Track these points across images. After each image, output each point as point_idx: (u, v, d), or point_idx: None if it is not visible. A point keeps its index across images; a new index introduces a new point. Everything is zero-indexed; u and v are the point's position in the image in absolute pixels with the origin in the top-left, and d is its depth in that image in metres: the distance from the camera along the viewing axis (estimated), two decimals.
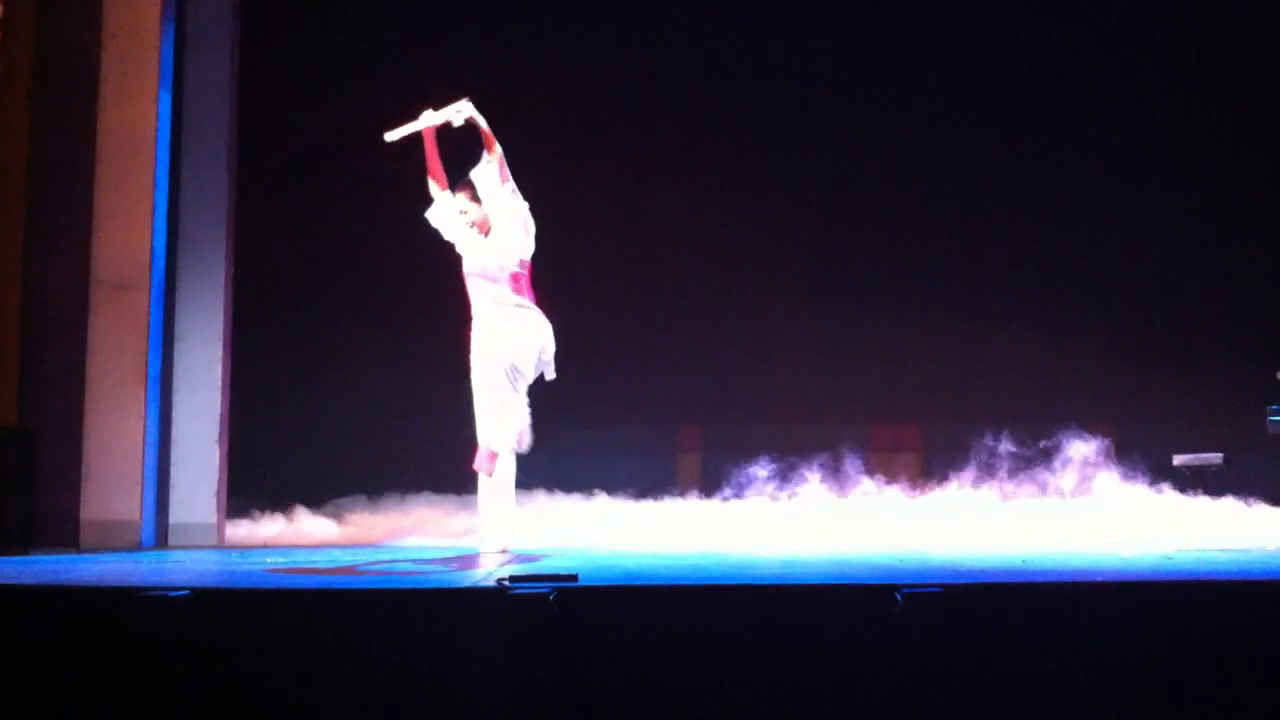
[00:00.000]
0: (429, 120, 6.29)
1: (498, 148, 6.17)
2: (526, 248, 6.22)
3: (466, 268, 6.24)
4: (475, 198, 6.25)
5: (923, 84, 10.45)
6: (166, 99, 7.80)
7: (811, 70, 10.36)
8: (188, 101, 8.13)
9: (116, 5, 7.60)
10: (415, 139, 6.29)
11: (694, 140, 9.87)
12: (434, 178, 6.34)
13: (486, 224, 6.24)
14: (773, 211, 10.16)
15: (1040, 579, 4.08)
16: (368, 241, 9.86)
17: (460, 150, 6.33)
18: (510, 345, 6.13)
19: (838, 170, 10.36)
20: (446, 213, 6.27)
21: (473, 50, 10.11)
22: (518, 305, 6.17)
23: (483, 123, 6.19)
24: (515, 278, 6.20)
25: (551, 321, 6.25)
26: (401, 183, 9.80)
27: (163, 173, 7.72)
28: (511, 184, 6.20)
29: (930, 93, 10.43)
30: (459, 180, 6.28)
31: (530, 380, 6.18)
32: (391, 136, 6.32)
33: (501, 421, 6.01)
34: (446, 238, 6.30)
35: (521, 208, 6.20)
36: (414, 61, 10.01)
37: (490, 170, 6.18)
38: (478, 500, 6.15)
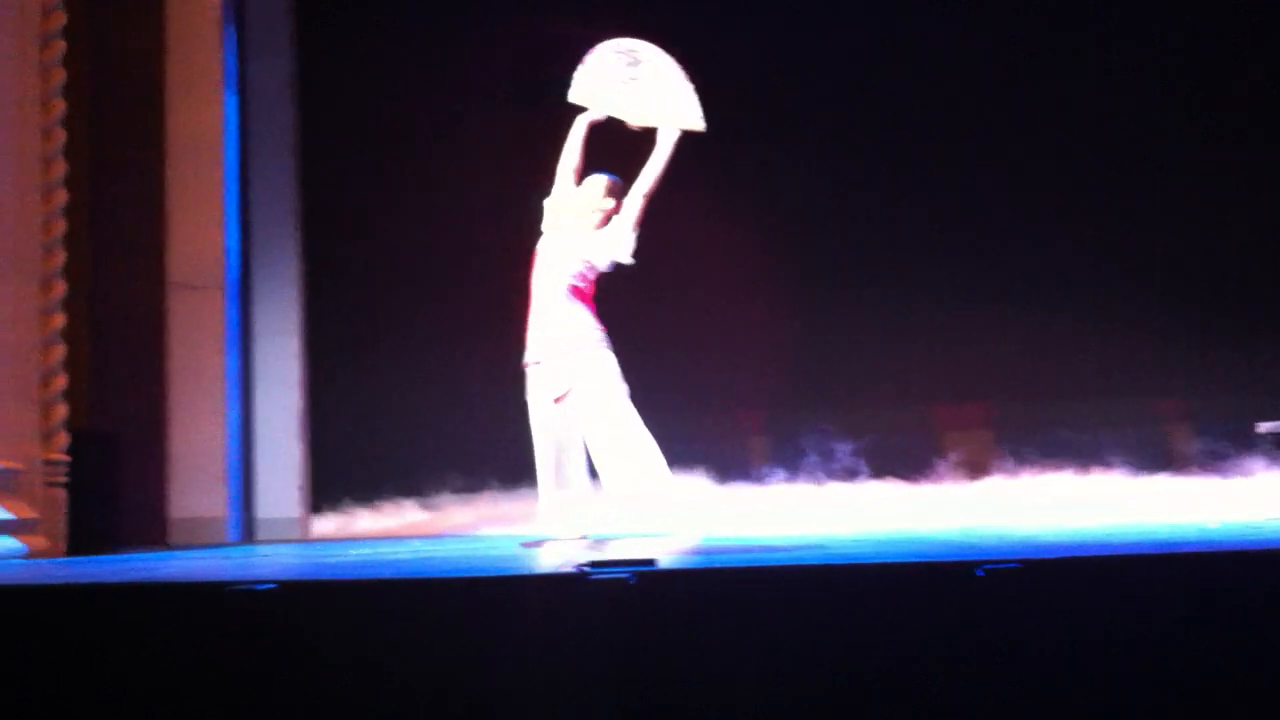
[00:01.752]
0: (599, 105, 6.22)
1: (650, 185, 6.12)
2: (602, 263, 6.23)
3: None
4: (613, 201, 6.21)
5: (983, 53, 10.32)
6: (231, 101, 7.90)
7: (877, 44, 10.26)
8: (251, 102, 8.24)
9: (177, 11, 7.72)
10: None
11: (758, 120, 9.83)
12: (574, 172, 6.30)
13: (605, 219, 6.22)
14: (836, 189, 10.09)
15: (1123, 552, 4.03)
16: (437, 232, 9.91)
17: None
18: None
19: (899, 145, 10.26)
20: (565, 203, 6.26)
21: (534, 42, 10.12)
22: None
23: (664, 153, 6.12)
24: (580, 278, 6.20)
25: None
26: (469, 167, 9.89)
27: (231, 174, 7.83)
28: (636, 224, 6.17)
29: (994, 62, 10.30)
30: (610, 182, 6.24)
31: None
32: (586, 102, 6.25)
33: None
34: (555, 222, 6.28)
35: (627, 246, 6.20)
36: (474, 54, 10.05)
37: (633, 204, 6.14)
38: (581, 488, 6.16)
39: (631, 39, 6.28)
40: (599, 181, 6.24)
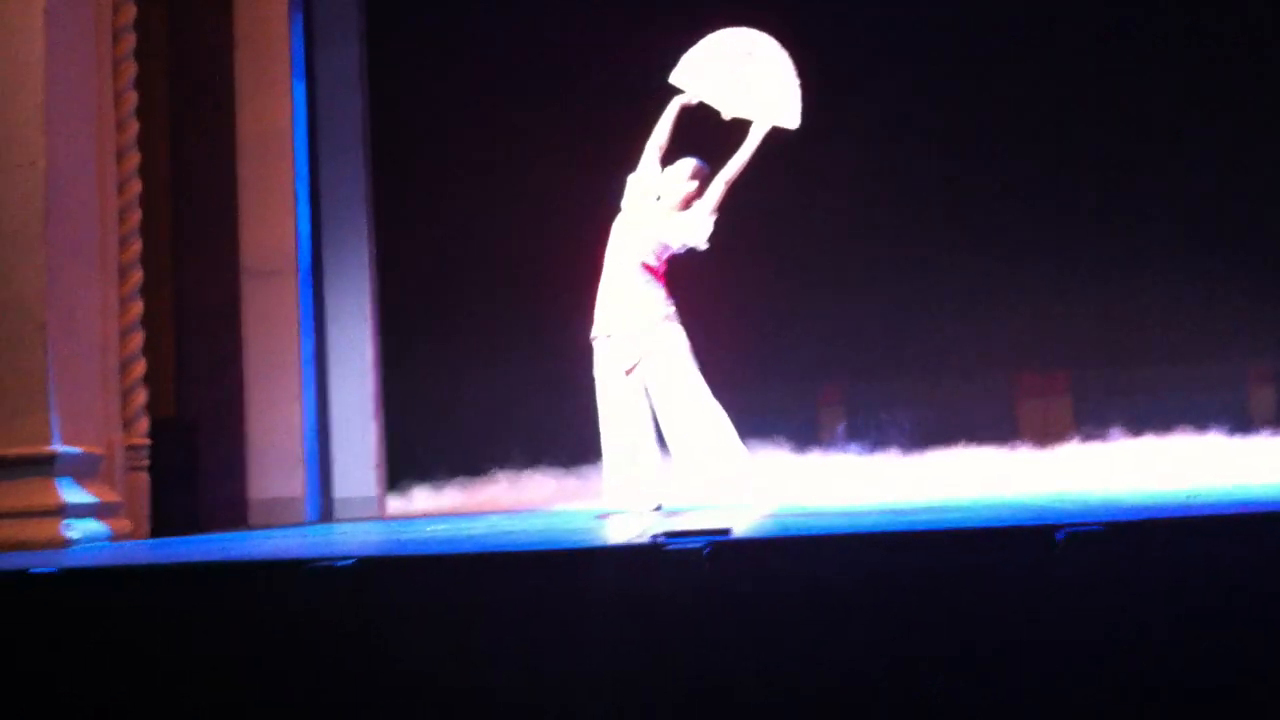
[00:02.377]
0: (698, 91, 6.23)
1: (734, 175, 6.14)
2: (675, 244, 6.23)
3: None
4: (696, 185, 6.22)
5: (1059, 10, 10.13)
6: (301, 90, 7.98)
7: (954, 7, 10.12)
8: (321, 91, 8.32)
9: (246, 1, 7.79)
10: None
11: (826, 87, 9.74)
12: (660, 150, 6.31)
13: (686, 202, 6.24)
14: (910, 156, 9.97)
15: (1207, 513, 3.96)
16: (506, 214, 9.95)
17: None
18: None
19: (971, 109, 10.13)
20: (649, 181, 6.27)
21: (604, 28, 10.11)
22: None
23: (752, 146, 6.14)
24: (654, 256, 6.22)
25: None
26: (540, 158, 9.91)
27: (302, 162, 7.91)
28: (715, 211, 6.18)
29: (1070, 20, 10.11)
30: (697, 167, 6.25)
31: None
32: (685, 85, 6.26)
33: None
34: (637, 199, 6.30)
35: (702, 233, 6.20)
36: (543, 39, 10.06)
37: (714, 191, 6.16)
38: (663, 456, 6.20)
39: (752, 30, 6.27)
40: (686, 164, 6.26)
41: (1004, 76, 10.10)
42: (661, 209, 6.24)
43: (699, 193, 6.20)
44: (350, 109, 8.43)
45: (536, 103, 10.00)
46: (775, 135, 6.21)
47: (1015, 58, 10.10)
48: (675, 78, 6.31)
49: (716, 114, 6.29)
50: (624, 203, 6.33)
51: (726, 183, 6.15)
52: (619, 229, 6.29)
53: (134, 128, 6.57)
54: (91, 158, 6.19)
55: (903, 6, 10.05)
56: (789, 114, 6.20)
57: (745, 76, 6.23)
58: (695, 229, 6.15)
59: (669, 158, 6.33)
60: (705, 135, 6.33)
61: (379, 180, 8.52)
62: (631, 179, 6.32)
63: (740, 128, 6.22)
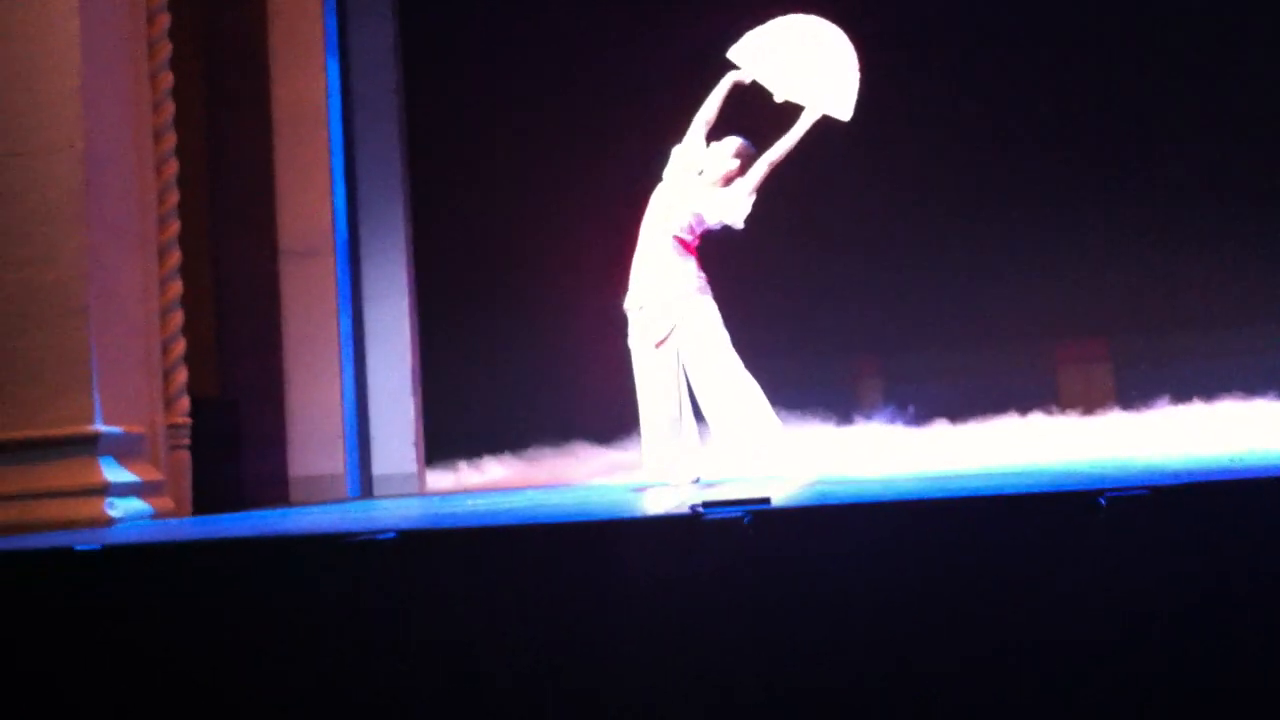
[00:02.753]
0: (753, 70, 6.20)
1: (778, 158, 6.12)
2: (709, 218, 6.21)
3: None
4: (739, 164, 6.20)
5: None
6: (334, 67, 7.98)
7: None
8: (354, 68, 8.32)
9: None
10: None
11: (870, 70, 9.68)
12: (707, 124, 6.30)
13: (727, 179, 6.22)
14: (947, 129, 9.91)
15: (1252, 475, 3.91)
16: (541, 191, 9.96)
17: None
18: None
19: (1012, 84, 10.04)
20: (694, 154, 6.26)
21: (639, 5, 10.07)
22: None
23: (801, 131, 6.12)
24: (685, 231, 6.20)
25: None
26: (576, 131, 9.90)
27: (337, 140, 7.92)
28: (754, 191, 6.16)
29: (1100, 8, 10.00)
30: (741, 145, 6.23)
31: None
32: (742, 63, 6.23)
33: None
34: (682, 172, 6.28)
35: (740, 211, 6.17)
36: (577, 14, 10.03)
37: (756, 171, 6.14)
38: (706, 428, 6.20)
39: (819, 19, 6.22)
40: (732, 142, 6.24)
41: (1045, 48, 10.01)
42: (702, 183, 6.23)
43: (741, 171, 6.18)
44: (384, 85, 8.43)
45: (571, 79, 9.99)
46: (823, 121, 6.17)
47: (1051, 36, 10.00)
48: (734, 53, 6.27)
49: (767, 97, 6.24)
50: (665, 173, 6.32)
51: (770, 164, 6.14)
52: (657, 200, 6.29)
53: (170, 108, 6.59)
54: (129, 139, 6.22)
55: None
56: (843, 106, 6.16)
57: (804, 62, 6.18)
58: (734, 207, 6.15)
59: (715, 134, 6.31)
60: (751, 117, 6.29)
61: (414, 158, 8.53)
62: (676, 151, 6.32)
63: (788, 115, 6.18)
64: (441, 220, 9.27)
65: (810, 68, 6.18)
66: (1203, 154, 9.94)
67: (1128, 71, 10.04)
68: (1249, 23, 9.90)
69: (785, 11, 6.25)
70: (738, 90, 6.30)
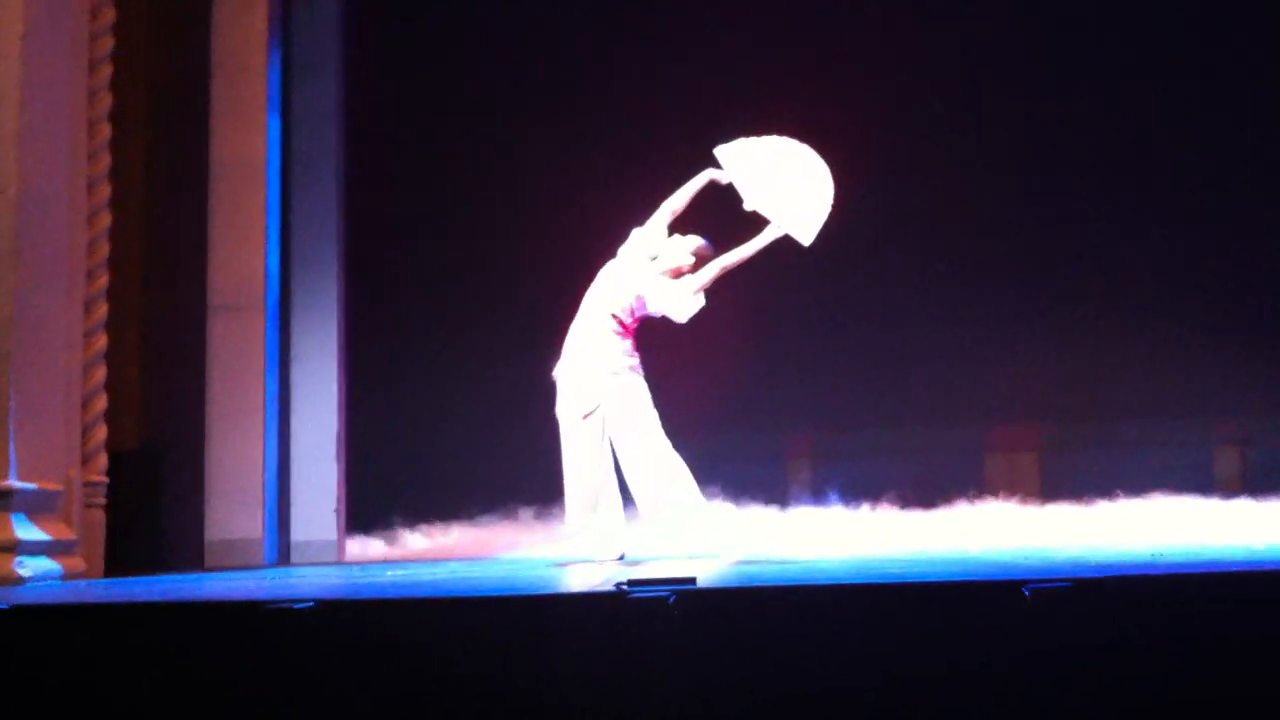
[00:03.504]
0: (734, 173, 6.24)
1: (732, 263, 6.16)
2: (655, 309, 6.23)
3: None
4: (694, 261, 6.22)
5: (1051, 71, 10.21)
6: (276, 124, 7.94)
7: (922, 69, 10.19)
8: (296, 126, 8.28)
9: (224, 35, 7.77)
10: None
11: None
12: (673, 214, 6.33)
13: (676, 272, 6.24)
14: (879, 209, 10.02)
15: (1172, 571, 3.96)
16: (477, 258, 9.94)
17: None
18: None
19: (944, 168, 10.18)
20: (653, 240, 6.28)
21: (581, 68, 10.14)
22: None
23: (759, 245, 6.17)
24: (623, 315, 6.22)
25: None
26: (511, 191, 9.92)
27: (274, 196, 7.87)
28: (701, 289, 6.20)
29: (1056, 85, 10.19)
30: (702, 245, 6.26)
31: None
32: (725, 163, 6.27)
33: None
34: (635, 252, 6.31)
35: (684, 306, 6.20)
36: (519, 81, 10.09)
37: (707, 271, 6.17)
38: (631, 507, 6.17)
39: (809, 150, 6.28)
40: (693, 240, 6.29)
41: (964, 139, 10.17)
42: (653, 270, 6.25)
43: (693, 269, 6.22)
44: (324, 144, 8.40)
45: (512, 146, 10.02)
46: (783, 237, 6.25)
47: (983, 116, 10.18)
48: (720, 151, 6.32)
49: (736, 199, 6.28)
50: (620, 251, 6.34)
51: (722, 268, 6.19)
52: (606, 275, 6.32)
53: (107, 159, 6.53)
54: (64, 188, 6.15)
55: (875, 44, 10.12)
56: (806, 231, 6.22)
57: (782, 180, 6.24)
58: (679, 303, 6.19)
59: (678, 226, 6.35)
60: (713, 214, 6.34)
61: (351, 218, 8.49)
62: (637, 232, 6.35)
63: (748, 224, 6.24)
64: (375, 282, 9.21)
65: (786, 187, 6.24)
66: (1136, 246, 10.12)
67: (1057, 162, 10.22)
68: (1175, 128, 10.14)
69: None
70: (711, 188, 6.35)
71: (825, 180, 6.27)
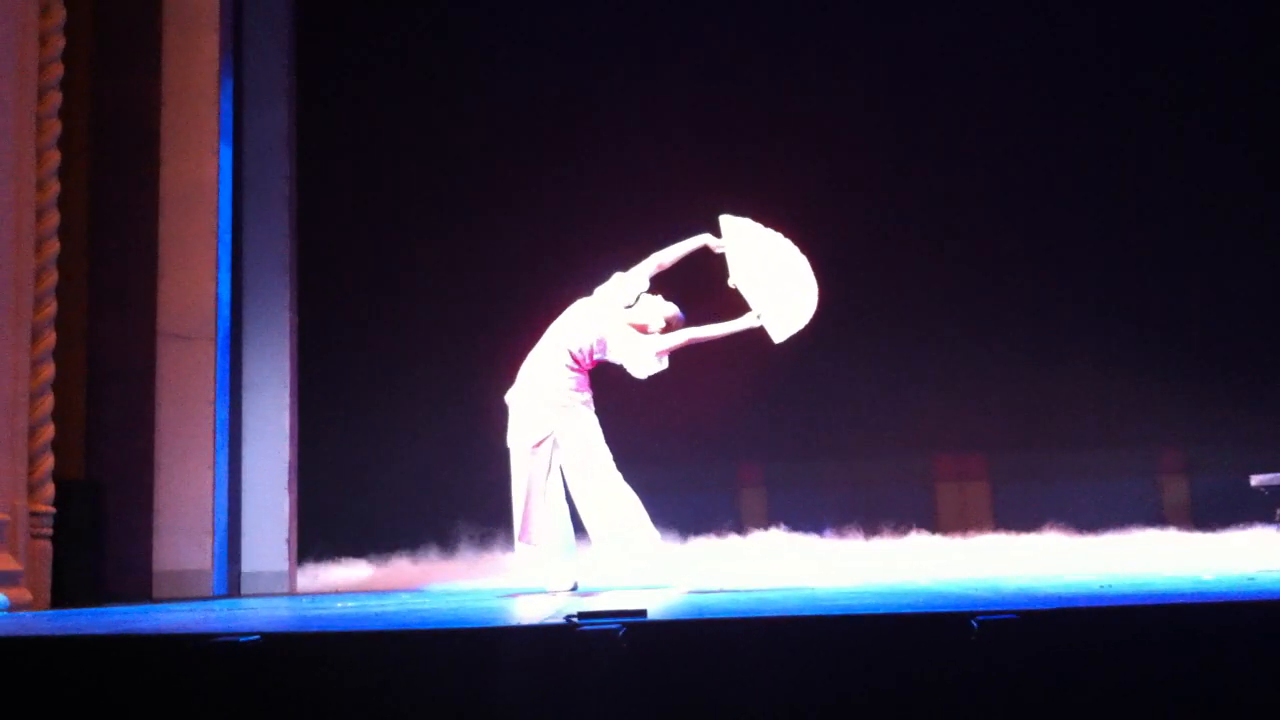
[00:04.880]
0: (730, 245, 6.23)
1: (701, 338, 6.18)
2: (617, 357, 6.23)
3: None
4: (663, 326, 6.23)
5: (982, 99, 10.33)
6: (227, 153, 7.90)
7: (887, 79, 10.27)
8: (247, 155, 8.25)
9: (175, 63, 7.73)
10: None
11: (748, 162, 9.85)
12: (659, 267, 6.34)
13: (642, 328, 6.24)
14: (828, 243, 10.08)
15: (1119, 603, 3.99)
16: (430, 288, 9.93)
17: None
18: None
19: (892, 195, 10.28)
20: (633, 289, 6.28)
21: (534, 95, 10.16)
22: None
23: (731, 329, 6.18)
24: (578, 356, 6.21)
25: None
26: (464, 222, 9.92)
27: (225, 225, 7.82)
28: (664, 353, 6.20)
29: (993, 111, 10.32)
30: (674, 314, 6.28)
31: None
32: (726, 233, 6.27)
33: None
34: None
35: (643, 363, 6.20)
36: (471, 112, 10.10)
37: (674, 337, 6.18)
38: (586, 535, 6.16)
39: (806, 261, 6.30)
40: (669, 306, 6.30)
41: (924, 156, 10.27)
42: (622, 317, 6.24)
43: (661, 331, 6.22)
44: (276, 172, 8.37)
45: (464, 176, 10.03)
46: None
47: (928, 139, 10.28)
48: (726, 220, 6.31)
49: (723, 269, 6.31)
50: (598, 290, 6.33)
51: (689, 340, 6.21)
52: (575, 310, 6.32)
53: (55, 187, 6.47)
54: (11, 215, 6.09)
55: (825, 94, 10.20)
56: (779, 331, 6.23)
57: (773, 275, 6.24)
58: (640, 360, 6.20)
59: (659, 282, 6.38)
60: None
61: (303, 247, 8.46)
62: (618, 277, 6.34)
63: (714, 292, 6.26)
64: (327, 311, 9.18)
65: (775, 283, 6.24)
66: (1082, 279, 10.24)
67: (1002, 195, 10.34)
68: (1136, 140, 10.27)
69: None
70: (703, 252, 6.35)
71: (812, 293, 6.28)
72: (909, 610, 3.95)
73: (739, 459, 10.23)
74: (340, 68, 9.85)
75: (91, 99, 7.33)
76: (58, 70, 6.54)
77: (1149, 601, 4.00)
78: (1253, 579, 5.15)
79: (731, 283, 6.25)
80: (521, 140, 10.05)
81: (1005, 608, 3.67)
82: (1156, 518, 9.59)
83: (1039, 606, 3.79)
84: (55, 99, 6.50)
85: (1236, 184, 10.21)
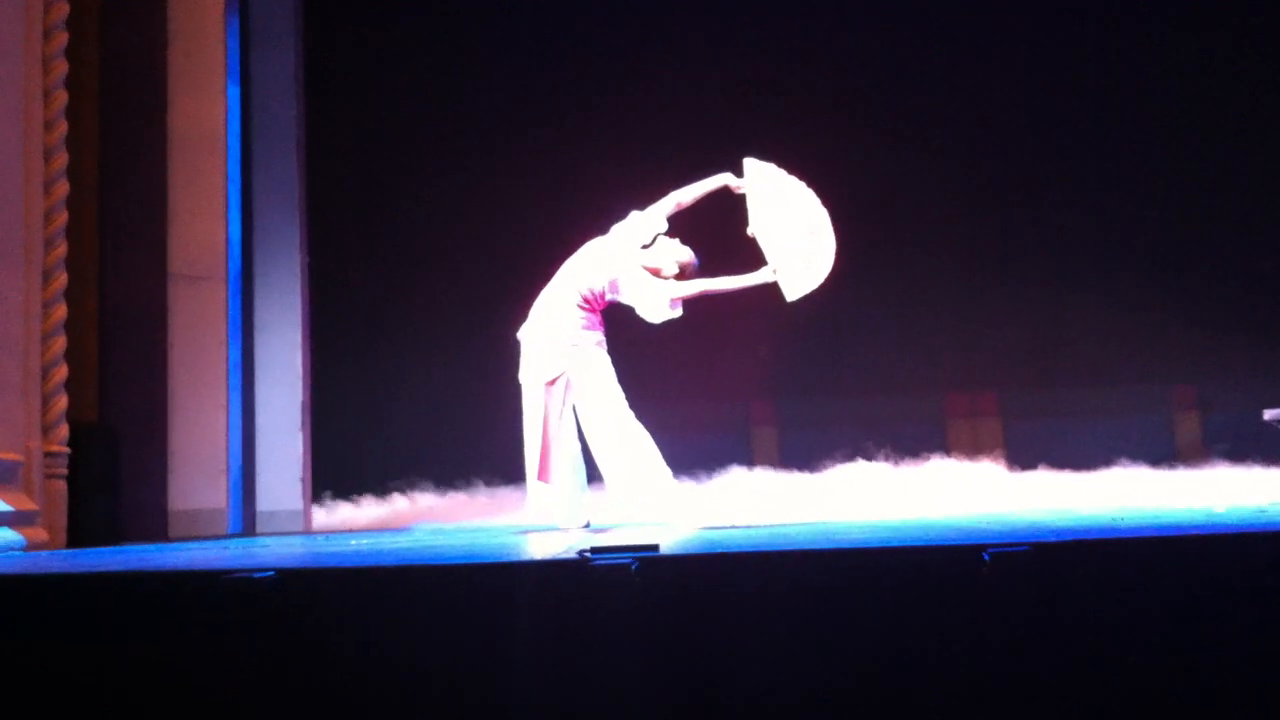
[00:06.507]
0: (751, 189, 6.12)
1: (714, 289, 6.10)
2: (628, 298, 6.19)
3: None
4: (676, 272, 6.16)
5: (982, 51, 10.25)
6: (235, 93, 7.87)
7: (890, 42, 10.19)
8: (256, 95, 8.21)
9: (181, 2, 7.68)
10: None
11: (765, 113, 9.78)
12: (677, 206, 6.24)
13: (655, 272, 6.18)
14: (844, 179, 10.02)
15: (1131, 534, 3.99)
16: (440, 226, 9.91)
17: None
18: None
19: (905, 136, 10.21)
20: (650, 228, 6.21)
21: (543, 36, 10.08)
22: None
23: (746, 283, 6.09)
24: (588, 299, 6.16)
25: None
26: (473, 162, 9.87)
27: (234, 166, 7.80)
28: (679, 300, 6.13)
29: (995, 60, 10.23)
30: (689, 260, 6.19)
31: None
32: (749, 175, 6.15)
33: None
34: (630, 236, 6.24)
35: (655, 309, 6.14)
36: (480, 47, 10.03)
37: (687, 286, 6.11)
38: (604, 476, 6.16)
39: (824, 212, 6.17)
40: (684, 251, 6.20)
41: (930, 107, 10.20)
42: (637, 258, 6.18)
43: (675, 278, 6.15)
44: (285, 113, 8.33)
45: (473, 113, 9.97)
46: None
47: (934, 93, 10.20)
48: (749, 162, 6.15)
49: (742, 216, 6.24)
50: (614, 228, 6.26)
51: (702, 291, 6.12)
52: (589, 249, 6.25)
53: (63, 127, 6.45)
54: (18, 157, 6.07)
55: (837, 56, 10.11)
56: (794, 287, 6.09)
57: (793, 230, 6.09)
58: (654, 305, 6.13)
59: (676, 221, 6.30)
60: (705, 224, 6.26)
61: (313, 187, 8.43)
62: (635, 215, 6.24)
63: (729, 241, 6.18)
64: (338, 252, 9.17)
65: (794, 238, 6.10)
66: (1099, 214, 10.18)
67: (1011, 139, 10.26)
68: (1147, 90, 10.19)
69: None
70: (723, 193, 6.25)
71: (830, 253, 6.15)
72: (921, 544, 3.95)
73: (750, 397, 10.23)
74: (348, 6, 9.77)
75: (98, 38, 7.29)
76: (64, 9, 6.50)
77: (1160, 534, 4.00)
78: (1264, 511, 5.15)
79: (750, 231, 6.16)
80: (536, 74, 9.97)
81: (1017, 540, 3.67)
82: (1169, 453, 9.58)
83: (1050, 539, 3.79)
84: (61, 39, 6.46)
85: (1246, 124, 10.12)
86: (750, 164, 6.18)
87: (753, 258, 6.16)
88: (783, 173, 6.18)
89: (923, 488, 8.37)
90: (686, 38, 10.11)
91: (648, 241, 6.22)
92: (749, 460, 9.65)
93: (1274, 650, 3.48)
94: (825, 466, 9.19)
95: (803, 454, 9.37)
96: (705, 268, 6.22)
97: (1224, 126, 10.11)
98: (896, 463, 9.15)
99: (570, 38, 10.14)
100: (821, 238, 6.13)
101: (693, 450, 9.09)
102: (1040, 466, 9.05)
